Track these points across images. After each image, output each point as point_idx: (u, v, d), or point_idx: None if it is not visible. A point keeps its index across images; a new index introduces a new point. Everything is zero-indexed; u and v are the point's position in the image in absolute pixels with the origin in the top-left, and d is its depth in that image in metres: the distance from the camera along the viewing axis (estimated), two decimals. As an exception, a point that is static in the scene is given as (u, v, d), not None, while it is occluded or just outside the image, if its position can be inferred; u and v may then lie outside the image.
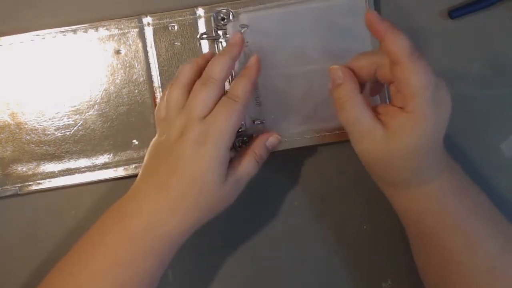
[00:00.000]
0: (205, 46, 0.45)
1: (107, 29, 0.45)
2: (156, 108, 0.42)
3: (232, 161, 0.40)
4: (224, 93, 0.39)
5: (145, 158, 0.40)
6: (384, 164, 0.37)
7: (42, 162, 0.45)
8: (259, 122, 0.44)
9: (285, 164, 0.46)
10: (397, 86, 0.35)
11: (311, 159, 0.47)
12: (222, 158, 0.38)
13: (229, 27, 0.44)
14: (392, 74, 0.35)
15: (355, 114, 0.37)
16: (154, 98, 0.45)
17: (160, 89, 0.45)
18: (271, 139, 0.43)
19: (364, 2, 0.44)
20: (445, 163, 0.38)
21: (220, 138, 0.37)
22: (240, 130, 0.43)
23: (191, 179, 0.37)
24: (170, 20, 0.45)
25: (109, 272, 0.37)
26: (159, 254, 0.38)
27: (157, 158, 0.39)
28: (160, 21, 0.45)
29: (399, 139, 0.36)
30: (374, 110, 0.37)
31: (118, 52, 0.45)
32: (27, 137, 0.45)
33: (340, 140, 0.45)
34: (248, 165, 0.40)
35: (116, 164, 0.45)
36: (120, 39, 0.45)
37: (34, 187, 0.45)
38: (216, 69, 0.39)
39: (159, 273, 0.39)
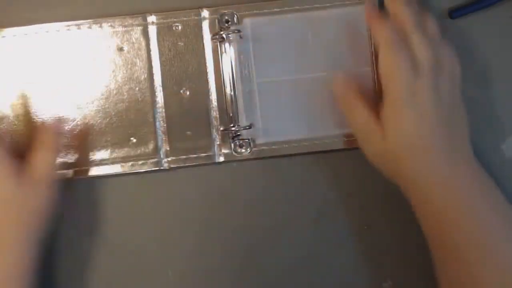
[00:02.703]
0: (208, 47, 0.45)
1: (111, 25, 0.45)
2: None
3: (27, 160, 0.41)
4: None
5: None
6: (388, 162, 0.39)
7: (39, 155, 0.45)
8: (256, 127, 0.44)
9: (287, 168, 0.46)
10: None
11: (312, 164, 0.46)
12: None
13: None
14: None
15: (357, 119, 0.40)
16: (154, 96, 0.45)
17: (161, 88, 0.45)
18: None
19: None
20: (461, 160, 0.39)
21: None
22: (237, 133, 0.43)
23: None
24: (175, 20, 0.45)
25: None
26: None
27: None
28: (165, 20, 0.45)
29: (390, 132, 0.38)
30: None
31: (121, 49, 0.45)
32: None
33: (341, 148, 0.45)
34: (43, 159, 0.41)
35: (112, 161, 0.45)
36: (123, 36, 0.45)
37: (29, 180, 0.45)
38: None
39: None
